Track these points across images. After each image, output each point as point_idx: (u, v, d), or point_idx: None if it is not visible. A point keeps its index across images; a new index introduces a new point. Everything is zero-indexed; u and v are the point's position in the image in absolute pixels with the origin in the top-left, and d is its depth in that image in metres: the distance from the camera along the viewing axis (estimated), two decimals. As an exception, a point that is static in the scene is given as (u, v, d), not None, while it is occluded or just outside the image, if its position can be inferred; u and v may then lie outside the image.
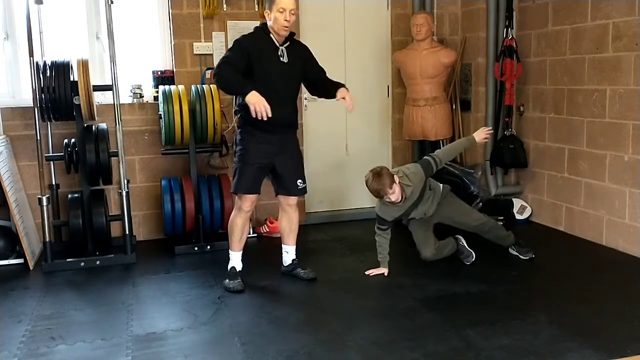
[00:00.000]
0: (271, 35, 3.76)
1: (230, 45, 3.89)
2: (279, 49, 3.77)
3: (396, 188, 3.88)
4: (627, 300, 3.60)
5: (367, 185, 3.95)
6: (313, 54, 3.99)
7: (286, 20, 3.68)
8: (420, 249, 4.22)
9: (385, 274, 4.08)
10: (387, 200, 3.93)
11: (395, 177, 3.91)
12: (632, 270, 4.14)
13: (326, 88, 4.05)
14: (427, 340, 3.11)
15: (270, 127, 3.79)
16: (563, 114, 4.96)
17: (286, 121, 3.89)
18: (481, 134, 4.19)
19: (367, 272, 4.12)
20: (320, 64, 4.02)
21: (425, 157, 4.16)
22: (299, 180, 3.98)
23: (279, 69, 3.77)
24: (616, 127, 4.46)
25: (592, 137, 4.68)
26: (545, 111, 5.15)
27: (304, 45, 3.99)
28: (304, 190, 4.05)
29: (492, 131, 4.33)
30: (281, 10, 3.66)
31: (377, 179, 3.86)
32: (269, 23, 3.75)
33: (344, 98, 3.90)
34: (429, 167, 4.04)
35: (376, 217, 4.15)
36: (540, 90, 5.19)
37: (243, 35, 3.87)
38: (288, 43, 3.81)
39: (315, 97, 5.39)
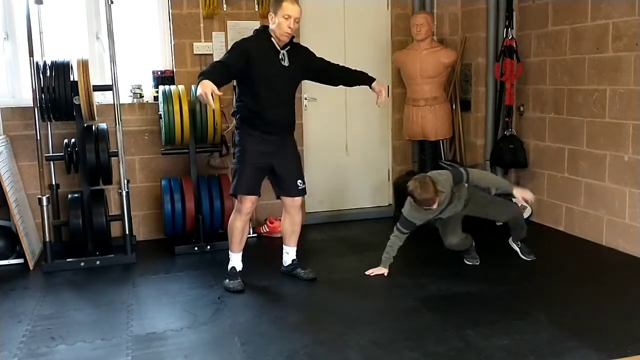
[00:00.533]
0: (272, 39, 3.75)
1: (230, 45, 3.90)
2: (280, 52, 3.77)
3: (439, 195, 3.83)
4: (627, 300, 3.60)
5: (413, 195, 3.84)
6: (313, 52, 3.99)
7: (289, 27, 3.68)
8: (445, 236, 4.18)
9: (385, 274, 4.08)
10: (428, 208, 3.86)
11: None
12: (632, 270, 4.14)
13: (352, 77, 4.05)
14: (427, 340, 3.11)
15: (269, 128, 3.80)
16: (563, 114, 4.96)
17: (285, 122, 3.90)
18: (522, 194, 4.06)
19: (367, 272, 4.12)
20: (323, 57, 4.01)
21: (459, 168, 4.09)
22: (299, 181, 3.98)
23: (279, 72, 3.77)
24: (616, 127, 4.46)
25: (592, 137, 4.68)
26: (545, 111, 5.15)
27: (304, 47, 3.99)
28: (304, 191, 4.04)
29: (532, 201, 4.25)
30: (286, 17, 3.66)
31: (425, 189, 3.77)
32: (271, 26, 3.75)
33: (379, 93, 3.96)
34: (459, 178, 3.96)
35: (401, 219, 4.05)
36: (540, 90, 5.19)
37: (244, 38, 3.87)
38: (289, 47, 3.80)
39: (315, 98, 5.48)
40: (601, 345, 2.99)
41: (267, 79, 3.74)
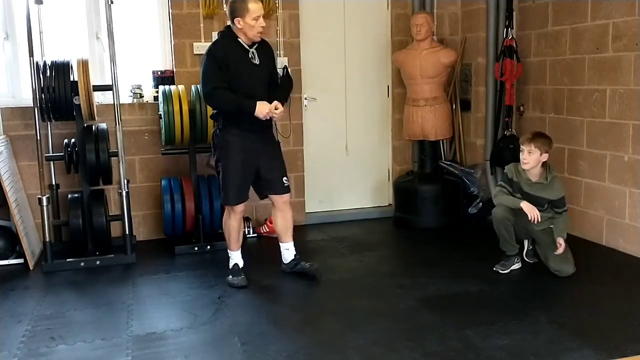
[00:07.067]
0: (239, 40, 3.81)
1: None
2: (249, 51, 3.82)
3: None
4: (627, 300, 3.60)
5: None
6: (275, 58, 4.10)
7: (261, 26, 3.76)
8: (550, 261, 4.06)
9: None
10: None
11: None
12: (632, 270, 4.14)
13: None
14: (427, 340, 3.11)
15: (250, 125, 3.84)
16: (563, 114, 4.96)
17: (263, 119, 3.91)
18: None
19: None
20: (277, 70, 4.13)
21: None
22: (284, 178, 4.05)
23: (252, 71, 3.83)
24: (616, 127, 4.46)
25: (592, 137, 4.68)
26: (545, 111, 5.15)
27: (270, 46, 4.03)
28: (289, 189, 4.10)
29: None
30: (256, 17, 3.72)
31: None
32: (239, 28, 3.77)
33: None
34: None
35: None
36: (540, 90, 5.19)
37: (213, 44, 3.90)
38: (256, 45, 3.86)
39: (315, 98, 5.49)
40: (601, 345, 2.99)
41: (242, 80, 3.80)
